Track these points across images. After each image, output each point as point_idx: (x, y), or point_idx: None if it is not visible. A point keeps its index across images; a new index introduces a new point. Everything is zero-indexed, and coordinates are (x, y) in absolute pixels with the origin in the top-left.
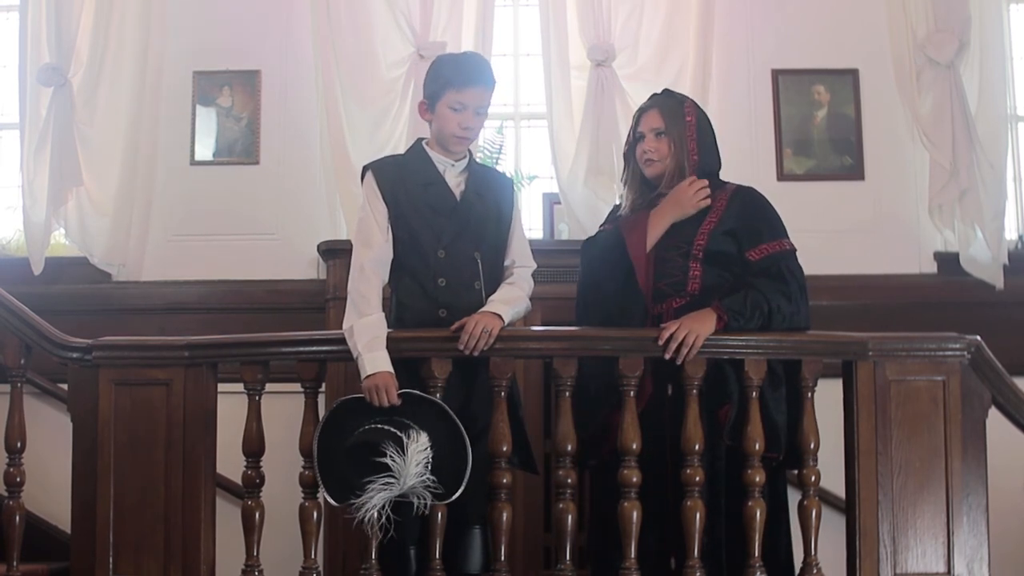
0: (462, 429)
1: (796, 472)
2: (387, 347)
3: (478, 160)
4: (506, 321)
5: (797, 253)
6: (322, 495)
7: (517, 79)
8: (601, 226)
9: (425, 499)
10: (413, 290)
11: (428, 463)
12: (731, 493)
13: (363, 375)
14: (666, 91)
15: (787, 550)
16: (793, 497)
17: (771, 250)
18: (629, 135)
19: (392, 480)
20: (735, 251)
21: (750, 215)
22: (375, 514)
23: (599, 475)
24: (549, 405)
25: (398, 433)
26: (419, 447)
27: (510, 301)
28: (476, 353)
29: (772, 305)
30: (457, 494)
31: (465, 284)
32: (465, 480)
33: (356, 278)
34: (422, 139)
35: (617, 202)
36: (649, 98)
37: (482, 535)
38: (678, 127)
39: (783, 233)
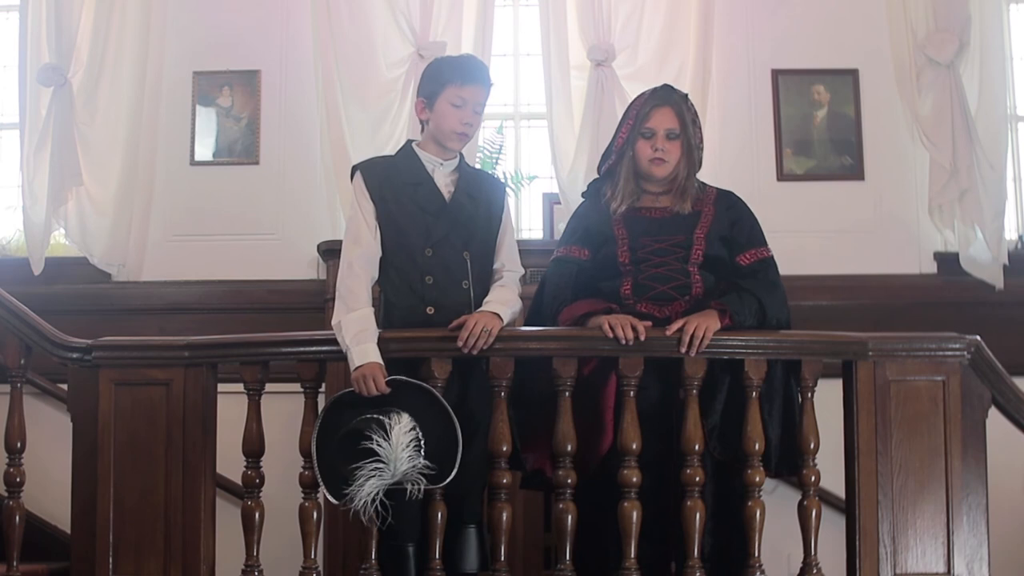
0: (450, 410)
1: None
2: (387, 348)
3: (478, 160)
4: (505, 321)
5: (790, 255)
6: (322, 493)
7: (517, 79)
8: (576, 214)
9: (419, 484)
10: (400, 288)
11: (420, 447)
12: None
13: (352, 367)
14: (669, 87)
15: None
16: (793, 497)
17: (759, 256)
18: (629, 126)
19: (382, 465)
20: (727, 256)
21: (739, 221)
22: (368, 502)
23: (585, 484)
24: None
25: (382, 419)
26: (403, 428)
27: (506, 302)
28: (476, 352)
29: (764, 303)
30: (451, 477)
31: (453, 282)
32: (457, 461)
33: (345, 275)
34: (411, 140)
35: (584, 191)
36: (655, 93)
37: (478, 534)
38: (689, 130)
39: (765, 240)
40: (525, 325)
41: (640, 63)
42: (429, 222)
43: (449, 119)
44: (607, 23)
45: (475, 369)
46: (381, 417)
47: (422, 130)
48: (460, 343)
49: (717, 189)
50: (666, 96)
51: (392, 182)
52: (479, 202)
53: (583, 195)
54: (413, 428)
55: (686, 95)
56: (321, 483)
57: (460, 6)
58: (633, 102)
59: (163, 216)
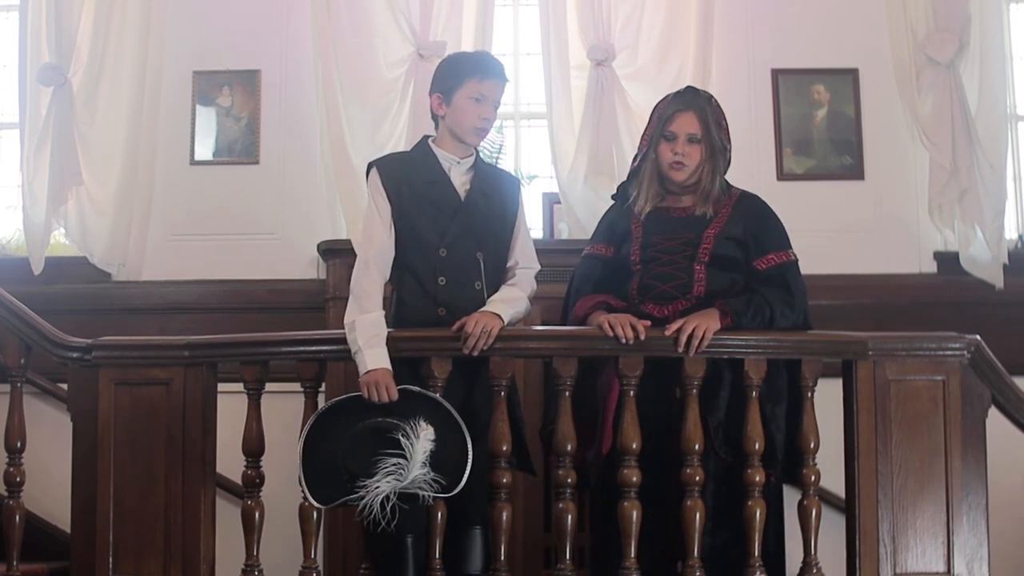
0: (462, 425)
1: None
2: (387, 347)
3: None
4: (505, 321)
5: (799, 259)
6: (305, 495)
7: (517, 79)
8: (606, 214)
9: (425, 492)
10: (413, 288)
11: (429, 459)
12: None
13: (362, 371)
14: (693, 89)
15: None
16: (793, 497)
17: (777, 260)
18: (652, 128)
19: (403, 462)
20: (740, 257)
21: (757, 224)
22: (379, 504)
23: (601, 483)
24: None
25: (403, 424)
26: (428, 435)
27: (509, 301)
28: (476, 353)
29: (775, 311)
30: (457, 489)
31: (465, 284)
32: (466, 475)
33: (361, 274)
34: (428, 137)
35: (614, 193)
36: (679, 96)
37: (483, 535)
38: (712, 134)
39: (788, 244)
40: (559, 322)
41: (640, 63)
42: (444, 221)
43: (468, 114)
44: (607, 23)
45: (481, 370)
46: (400, 422)
47: (436, 127)
48: (461, 343)
49: (741, 191)
50: (689, 99)
51: (408, 179)
52: (493, 200)
53: (612, 197)
54: (433, 441)
55: (711, 97)
56: (305, 488)
57: (460, 6)
58: (658, 104)
59: (163, 216)
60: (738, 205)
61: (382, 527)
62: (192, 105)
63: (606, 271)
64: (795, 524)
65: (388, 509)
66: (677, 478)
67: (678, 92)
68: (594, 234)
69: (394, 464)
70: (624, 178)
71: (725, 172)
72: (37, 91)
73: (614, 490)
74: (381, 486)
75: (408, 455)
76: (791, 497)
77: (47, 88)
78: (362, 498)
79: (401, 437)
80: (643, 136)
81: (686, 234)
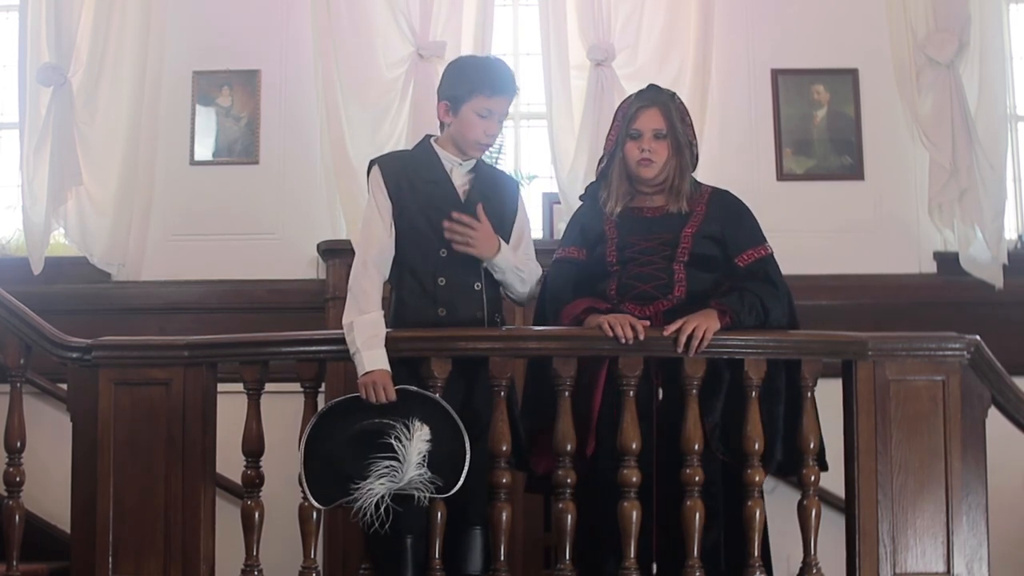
0: (460, 424)
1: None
2: (386, 347)
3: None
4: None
5: (790, 255)
6: (306, 496)
7: (517, 79)
8: (574, 216)
9: (423, 493)
10: (413, 288)
11: (425, 459)
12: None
13: (360, 371)
14: (655, 87)
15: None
16: (793, 497)
17: (756, 255)
18: (617, 127)
19: (396, 464)
20: (718, 255)
21: (732, 221)
22: (373, 505)
23: (582, 481)
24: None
25: (398, 424)
26: (423, 436)
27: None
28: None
29: (767, 306)
30: (455, 489)
31: (464, 284)
32: (463, 475)
33: (359, 273)
34: (430, 136)
35: (582, 194)
36: (641, 94)
37: (483, 536)
38: (677, 129)
39: (763, 238)
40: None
41: (640, 63)
42: (445, 222)
43: (474, 129)
44: (607, 23)
45: (480, 370)
46: (395, 423)
47: (441, 128)
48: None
49: (712, 188)
50: (652, 96)
51: (409, 178)
52: (493, 202)
53: (581, 198)
54: (428, 441)
55: (673, 94)
56: (307, 489)
57: (460, 6)
58: (621, 104)
59: (163, 216)
60: (712, 202)
61: (376, 528)
62: (192, 105)
63: (580, 274)
64: (795, 524)
65: (383, 510)
66: (663, 478)
67: (640, 91)
68: (564, 237)
69: (386, 467)
70: None
71: (693, 169)
72: (37, 91)
73: (596, 491)
74: (375, 488)
75: (401, 457)
76: (791, 497)
77: (47, 88)
78: (357, 500)
79: (394, 440)
80: (608, 137)
81: (664, 234)
